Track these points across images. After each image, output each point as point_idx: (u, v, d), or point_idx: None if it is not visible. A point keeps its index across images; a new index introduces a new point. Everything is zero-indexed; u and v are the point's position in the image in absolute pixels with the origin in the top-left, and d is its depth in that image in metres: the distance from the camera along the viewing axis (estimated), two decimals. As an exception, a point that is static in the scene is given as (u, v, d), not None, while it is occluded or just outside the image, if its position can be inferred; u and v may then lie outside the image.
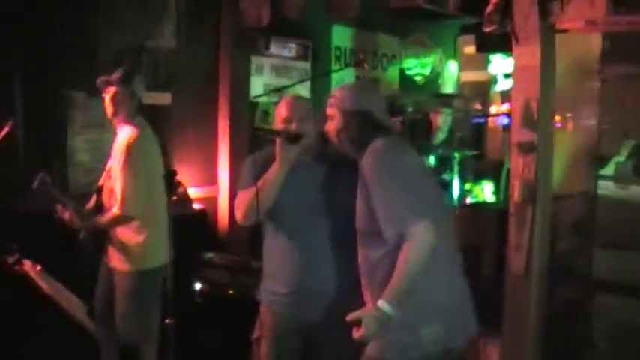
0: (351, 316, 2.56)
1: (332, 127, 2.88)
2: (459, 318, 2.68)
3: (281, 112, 3.03)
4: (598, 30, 4.01)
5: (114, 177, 3.76)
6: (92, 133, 4.82)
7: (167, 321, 3.26)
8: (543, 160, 4.00)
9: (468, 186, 5.43)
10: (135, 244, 3.80)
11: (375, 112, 2.80)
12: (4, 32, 4.38)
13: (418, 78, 7.40)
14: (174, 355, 3.40)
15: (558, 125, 4.84)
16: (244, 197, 3.06)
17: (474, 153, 5.45)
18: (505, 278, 4.16)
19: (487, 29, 4.13)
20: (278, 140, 2.97)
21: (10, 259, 3.59)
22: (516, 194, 4.03)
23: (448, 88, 7.64)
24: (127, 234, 3.78)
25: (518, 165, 4.04)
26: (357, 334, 2.53)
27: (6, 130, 4.00)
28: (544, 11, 3.86)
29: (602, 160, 5.41)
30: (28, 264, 3.55)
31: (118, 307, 3.80)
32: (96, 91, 4.23)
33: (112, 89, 3.88)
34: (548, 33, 3.92)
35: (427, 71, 7.48)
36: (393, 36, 7.10)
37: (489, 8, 4.06)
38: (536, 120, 3.94)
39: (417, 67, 7.32)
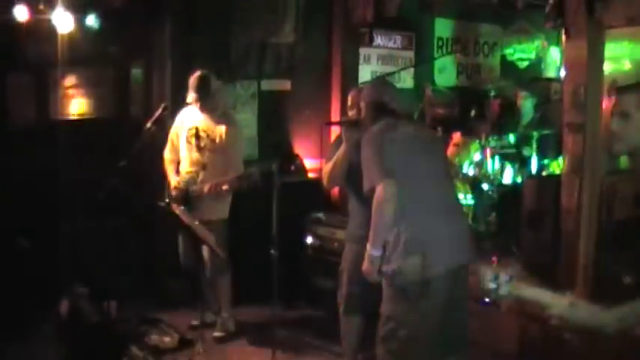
0: None
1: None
2: (437, 253, 3.48)
3: (347, 101, 4.07)
4: (636, 25, 4.57)
5: (219, 151, 5.03)
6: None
7: (272, 252, 4.35)
8: (591, 138, 4.66)
9: (546, 161, 6.09)
10: (228, 200, 5.11)
11: (388, 101, 3.71)
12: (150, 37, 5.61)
13: (521, 63, 7.99)
14: (278, 282, 4.47)
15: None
16: (328, 168, 4.21)
17: (552, 132, 6.05)
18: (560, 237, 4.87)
19: (547, 25, 4.85)
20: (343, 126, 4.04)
21: (162, 204, 4.86)
22: (566, 166, 4.74)
23: (550, 72, 8.17)
24: (227, 193, 5.01)
25: (568, 142, 4.74)
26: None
27: (160, 111, 5.19)
28: (591, 9, 4.51)
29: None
30: (174, 206, 4.75)
31: (211, 251, 4.86)
32: (228, 79, 5.39)
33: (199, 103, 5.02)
34: (595, 28, 4.56)
35: (531, 56, 8.04)
36: (495, 25, 7.77)
37: (547, 8, 4.77)
38: (583, 104, 4.61)
39: (519, 52, 7.91)
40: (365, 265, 3.57)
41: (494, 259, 2.40)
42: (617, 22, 4.51)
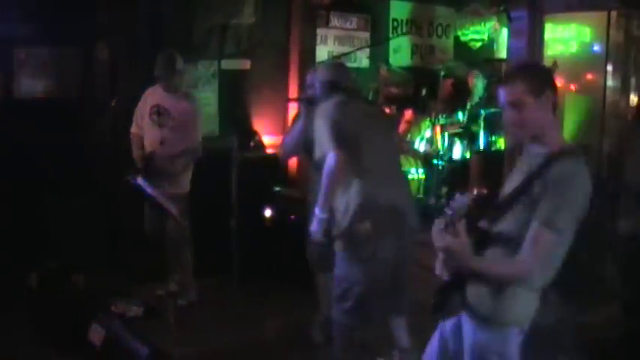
0: None
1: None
2: (384, 218, 3.83)
3: (306, 81, 4.35)
4: (573, 12, 4.93)
5: (178, 128, 5.25)
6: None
7: (231, 222, 4.61)
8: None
9: (493, 137, 6.43)
10: (189, 174, 5.37)
11: (339, 81, 4.01)
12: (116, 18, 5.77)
13: (474, 44, 8.28)
14: (239, 254, 4.74)
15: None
16: (285, 140, 4.44)
17: (499, 110, 6.35)
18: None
19: (493, 10, 5.18)
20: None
21: (127, 178, 5.01)
22: (507, 143, 5.08)
23: (502, 53, 8.48)
24: (189, 167, 5.28)
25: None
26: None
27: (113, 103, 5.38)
28: (532, -1, 4.85)
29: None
30: (138, 179, 4.95)
31: (174, 221, 5.08)
32: (190, 59, 5.59)
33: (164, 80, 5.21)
34: (536, 14, 4.89)
35: (484, 37, 8.33)
36: (449, 7, 8.05)
37: (494, -5, 5.09)
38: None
39: (472, 34, 8.20)
40: (312, 226, 3.89)
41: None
42: (556, 8, 4.85)
